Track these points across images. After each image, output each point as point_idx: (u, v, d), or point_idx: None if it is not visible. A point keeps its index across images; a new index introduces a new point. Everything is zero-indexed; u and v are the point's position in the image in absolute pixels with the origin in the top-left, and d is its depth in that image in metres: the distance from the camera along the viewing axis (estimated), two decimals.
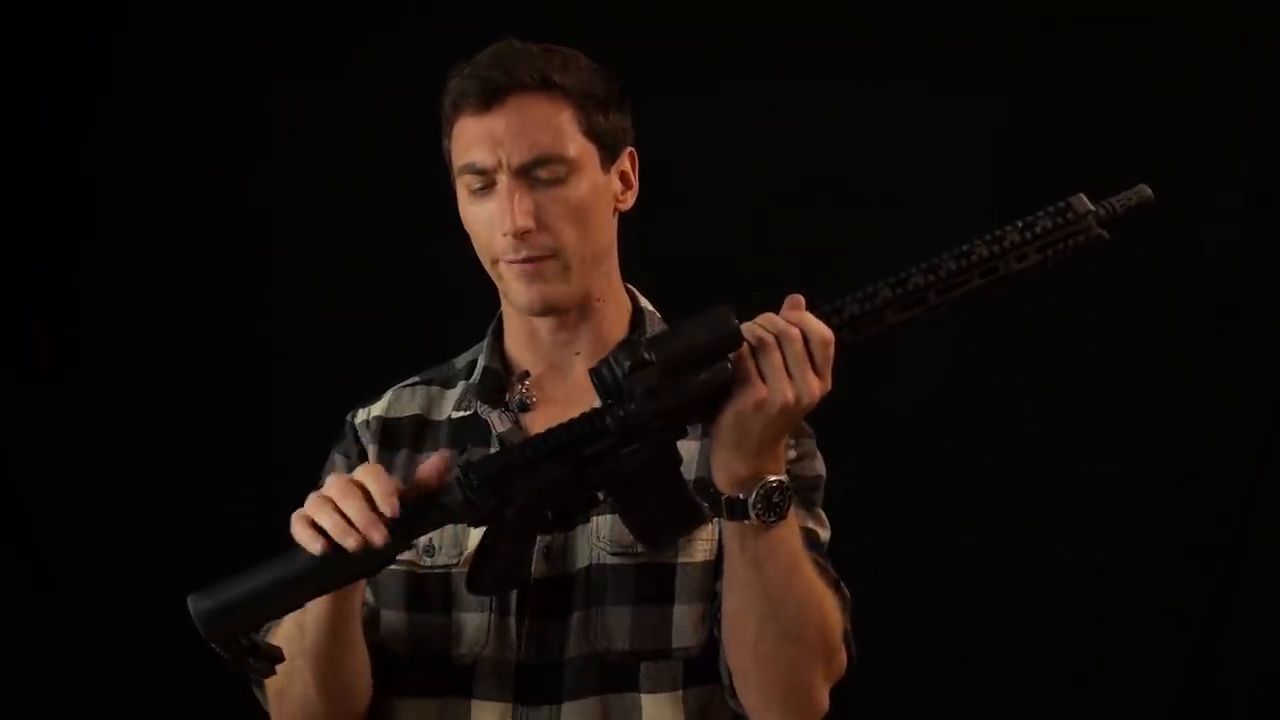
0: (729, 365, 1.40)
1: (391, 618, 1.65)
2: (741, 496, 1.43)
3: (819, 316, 1.42)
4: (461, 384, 1.72)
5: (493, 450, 1.65)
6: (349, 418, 1.74)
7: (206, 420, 2.99)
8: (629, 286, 1.72)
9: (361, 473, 1.44)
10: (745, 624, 1.51)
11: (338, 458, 1.73)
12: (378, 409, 1.73)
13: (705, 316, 1.41)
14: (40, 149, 2.98)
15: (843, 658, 1.58)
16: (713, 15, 2.90)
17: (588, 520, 1.59)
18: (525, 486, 1.44)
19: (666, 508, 1.47)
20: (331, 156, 2.92)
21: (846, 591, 1.61)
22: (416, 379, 1.76)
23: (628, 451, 1.43)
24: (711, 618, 1.62)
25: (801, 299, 1.44)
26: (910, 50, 2.85)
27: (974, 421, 2.82)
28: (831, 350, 1.41)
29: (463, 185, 1.62)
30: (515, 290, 1.62)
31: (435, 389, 1.73)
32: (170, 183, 3.01)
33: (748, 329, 1.41)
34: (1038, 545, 2.84)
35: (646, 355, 1.39)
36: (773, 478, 1.42)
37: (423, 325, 2.42)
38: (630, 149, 1.67)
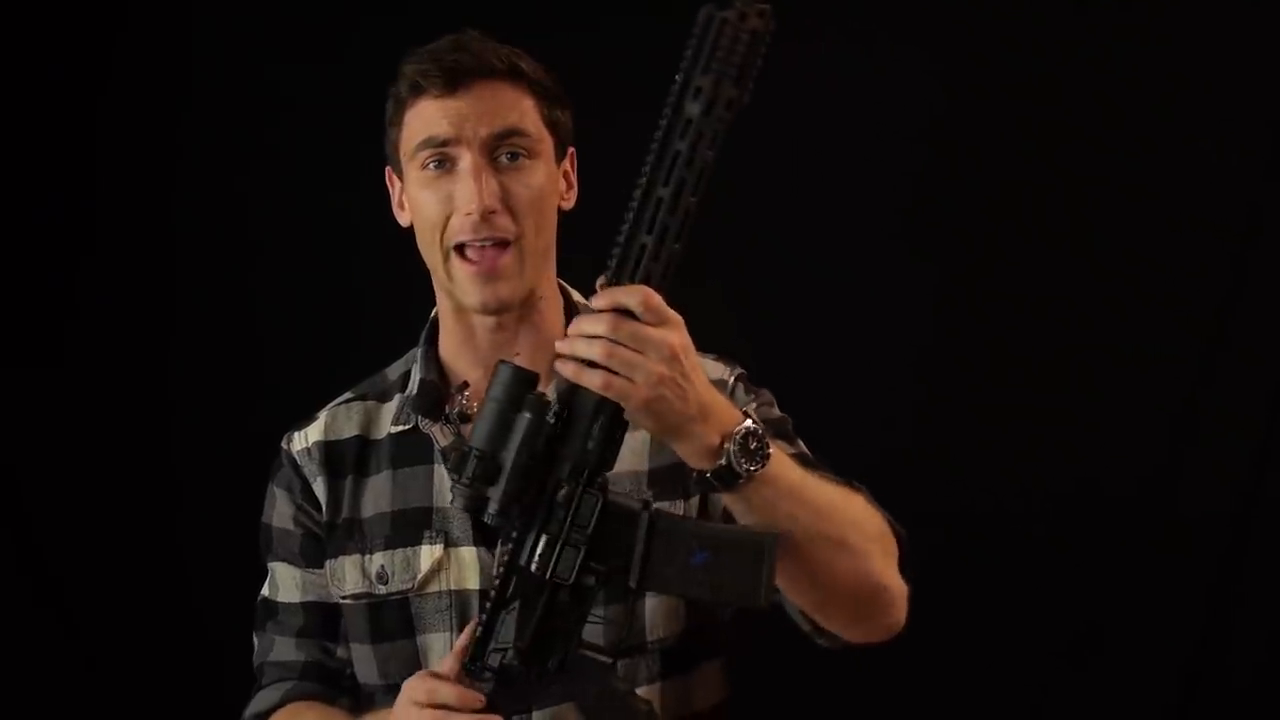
0: (538, 397, 1.38)
1: (360, 651, 1.65)
2: (722, 462, 1.37)
3: (608, 279, 1.37)
4: (397, 397, 1.69)
5: (435, 465, 1.63)
6: (284, 445, 1.70)
7: (207, 419, 2.98)
8: (561, 282, 1.69)
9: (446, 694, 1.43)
10: (797, 569, 1.45)
11: (278, 493, 1.70)
12: (315, 433, 1.69)
13: (493, 381, 1.40)
14: (39, 149, 2.95)
15: (892, 536, 1.53)
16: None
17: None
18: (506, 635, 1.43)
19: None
20: (332, 156, 2.91)
21: (858, 484, 1.55)
22: (350, 395, 1.72)
23: (565, 541, 1.40)
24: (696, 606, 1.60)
25: (600, 281, 1.37)
26: (904, 47, 2.82)
27: (974, 419, 2.81)
28: (655, 299, 1.34)
29: (414, 167, 1.58)
30: (468, 289, 1.58)
31: (371, 404, 1.70)
32: (171, 183, 2.98)
33: (577, 348, 1.35)
34: (1037, 542, 2.84)
35: (473, 452, 1.38)
36: (738, 427, 1.38)
37: (421, 325, 2.42)
38: (571, 149, 1.66)
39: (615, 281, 1.36)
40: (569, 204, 1.66)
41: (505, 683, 1.43)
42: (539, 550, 1.41)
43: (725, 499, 1.43)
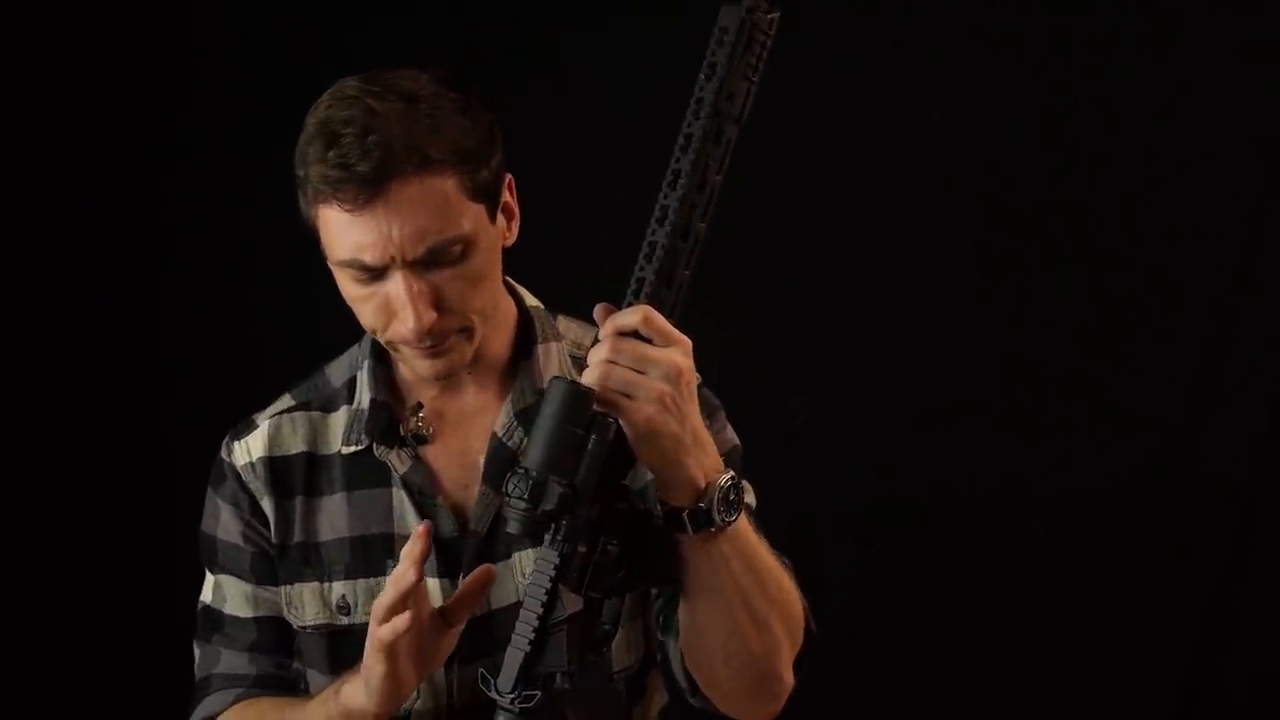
0: (598, 413, 1.31)
1: (317, 678, 1.59)
2: (703, 506, 1.33)
3: (626, 306, 1.32)
4: (344, 409, 1.60)
5: (394, 490, 1.57)
6: (225, 456, 1.62)
7: (207, 419, 2.97)
8: (509, 282, 1.60)
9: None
10: (714, 629, 1.42)
11: (223, 506, 1.61)
12: (258, 446, 1.61)
13: (547, 399, 1.31)
14: (41, 153, 2.94)
15: (803, 629, 1.49)
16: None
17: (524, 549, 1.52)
18: (555, 659, 1.36)
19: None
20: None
21: (788, 560, 1.51)
22: (292, 402, 1.63)
23: (600, 556, 1.35)
24: (647, 629, 1.59)
25: (604, 306, 1.33)
26: (896, 43, 2.77)
27: (971, 422, 2.81)
28: (658, 319, 1.30)
29: (337, 268, 1.47)
30: (417, 366, 1.50)
31: (316, 415, 1.61)
32: (171, 187, 2.98)
33: (585, 376, 1.31)
34: (1039, 533, 2.82)
35: (533, 475, 1.29)
36: (723, 477, 1.34)
37: None
38: (508, 177, 1.52)
39: (657, 285, 1.32)
40: (512, 239, 1.53)
41: (548, 702, 1.37)
42: (574, 568, 1.35)
43: (682, 540, 1.36)
